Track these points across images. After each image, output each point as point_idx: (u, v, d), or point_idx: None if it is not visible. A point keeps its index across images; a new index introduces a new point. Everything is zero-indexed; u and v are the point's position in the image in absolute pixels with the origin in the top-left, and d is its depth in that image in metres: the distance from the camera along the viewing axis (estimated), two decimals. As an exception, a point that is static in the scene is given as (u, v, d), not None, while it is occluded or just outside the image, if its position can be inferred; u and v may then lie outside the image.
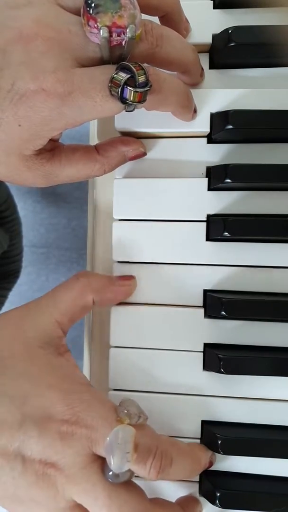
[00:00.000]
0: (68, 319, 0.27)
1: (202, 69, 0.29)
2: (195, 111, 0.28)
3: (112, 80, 0.23)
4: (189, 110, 0.27)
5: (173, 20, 0.26)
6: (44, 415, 0.23)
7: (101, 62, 0.24)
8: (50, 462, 0.23)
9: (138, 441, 0.24)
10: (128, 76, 0.22)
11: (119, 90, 0.22)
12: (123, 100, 0.23)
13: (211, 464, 0.28)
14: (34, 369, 0.25)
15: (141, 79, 0.23)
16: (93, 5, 0.22)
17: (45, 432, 0.23)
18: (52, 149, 0.26)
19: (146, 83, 0.23)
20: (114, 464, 0.22)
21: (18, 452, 0.23)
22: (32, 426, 0.23)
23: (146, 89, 0.23)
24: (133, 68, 0.23)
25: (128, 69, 0.23)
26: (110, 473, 0.23)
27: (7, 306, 0.62)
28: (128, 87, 0.23)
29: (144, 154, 0.29)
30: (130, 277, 0.29)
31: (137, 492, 0.24)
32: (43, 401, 0.24)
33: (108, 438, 0.23)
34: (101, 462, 0.24)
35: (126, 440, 0.23)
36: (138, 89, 0.23)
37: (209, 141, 0.29)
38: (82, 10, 0.22)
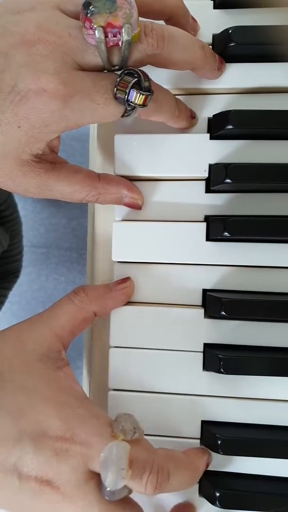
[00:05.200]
0: (68, 333, 0.27)
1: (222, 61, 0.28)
2: (193, 117, 0.29)
3: (120, 82, 0.23)
4: (180, 120, 0.28)
5: (179, 22, 0.26)
6: (40, 431, 0.23)
7: (102, 65, 0.24)
8: (46, 480, 0.23)
9: (133, 456, 0.23)
10: (135, 79, 0.23)
11: (127, 91, 0.23)
12: (128, 102, 0.24)
13: (207, 465, 0.28)
14: (31, 383, 0.25)
15: (146, 83, 0.24)
16: (89, 7, 0.22)
17: (40, 449, 0.23)
18: (54, 162, 0.26)
19: (149, 88, 0.24)
20: (109, 481, 0.22)
21: (15, 468, 0.23)
22: (28, 442, 0.23)
23: (150, 93, 0.24)
24: (139, 72, 0.23)
25: (133, 73, 0.23)
26: (107, 489, 0.22)
27: (7, 306, 0.62)
28: (135, 90, 0.23)
29: (139, 208, 0.29)
30: (126, 279, 0.30)
31: (134, 509, 0.24)
32: (38, 415, 0.24)
33: (102, 455, 0.22)
34: (97, 480, 0.23)
35: (120, 456, 0.22)
36: (143, 92, 0.24)
37: (211, 138, 0.29)
38: (80, 13, 0.22)
